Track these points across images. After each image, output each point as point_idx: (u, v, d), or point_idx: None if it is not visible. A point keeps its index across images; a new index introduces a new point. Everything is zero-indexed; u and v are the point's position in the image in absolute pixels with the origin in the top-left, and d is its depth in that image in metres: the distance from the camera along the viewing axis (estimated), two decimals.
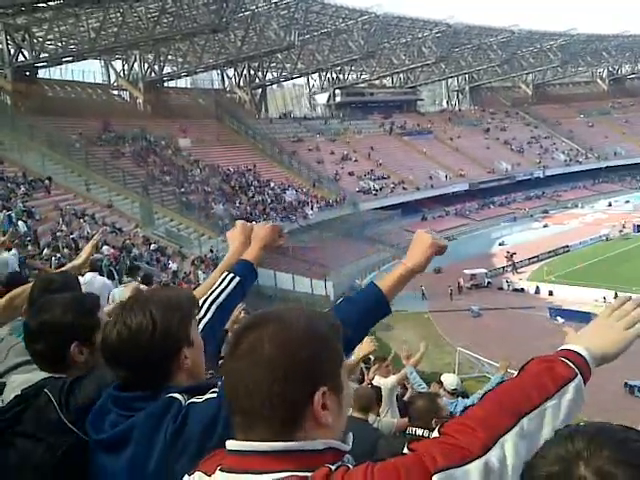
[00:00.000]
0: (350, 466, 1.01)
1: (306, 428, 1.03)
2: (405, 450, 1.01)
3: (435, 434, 1.03)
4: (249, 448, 1.03)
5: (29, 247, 18.52)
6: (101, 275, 8.75)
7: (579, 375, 1.08)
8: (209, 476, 1.09)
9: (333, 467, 1.00)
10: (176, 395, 1.40)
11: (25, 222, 21.39)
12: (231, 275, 1.97)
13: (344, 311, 1.60)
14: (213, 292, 1.94)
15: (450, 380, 6.65)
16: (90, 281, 6.99)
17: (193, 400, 1.38)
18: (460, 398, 6.59)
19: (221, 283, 1.96)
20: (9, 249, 6.13)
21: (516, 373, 1.13)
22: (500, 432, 0.99)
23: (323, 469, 0.99)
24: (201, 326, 1.76)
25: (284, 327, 1.07)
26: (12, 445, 1.57)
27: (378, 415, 5.16)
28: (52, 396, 1.61)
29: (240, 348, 1.06)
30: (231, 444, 1.06)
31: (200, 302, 1.86)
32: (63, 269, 3.66)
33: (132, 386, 1.46)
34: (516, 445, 0.99)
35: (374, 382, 6.16)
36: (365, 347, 5.11)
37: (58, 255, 18.06)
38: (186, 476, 1.15)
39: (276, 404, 1.02)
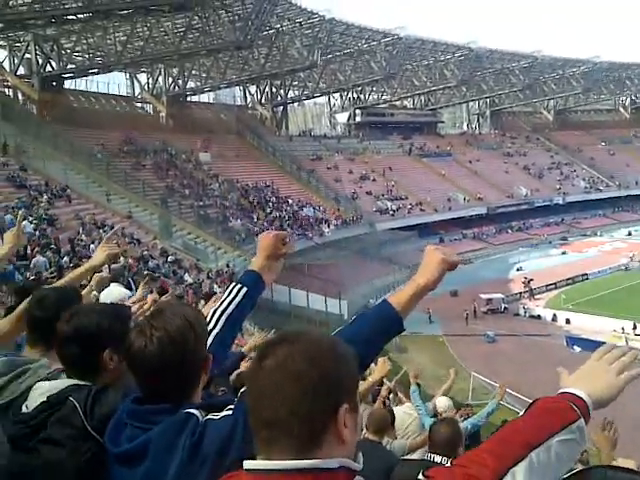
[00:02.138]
0: None
1: (326, 445, 1.05)
2: (420, 476, 1.04)
3: (448, 464, 1.04)
4: (265, 467, 1.05)
5: (50, 255, 18.65)
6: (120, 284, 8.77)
7: (582, 417, 1.14)
8: None
9: None
10: (193, 411, 1.39)
11: (44, 229, 21.59)
12: (238, 286, 1.95)
13: (356, 327, 1.62)
14: (222, 303, 1.92)
15: (442, 403, 6.61)
16: (109, 291, 6.99)
17: (210, 417, 1.38)
18: None
19: (229, 294, 1.93)
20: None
21: (523, 411, 1.16)
22: (510, 463, 1.04)
23: None
24: (211, 338, 1.74)
25: (312, 343, 1.10)
26: (36, 451, 1.59)
27: (395, 438, 5.10)
28: (77, 404, 1.62)
29: (268, 362, 1.07)
30: (248, 464, 1.08)
31: (210, 313, 1.87)
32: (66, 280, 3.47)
33: (158, 397, 1.45)
34: (526, 476, 1.04)
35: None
36: (380, 369, 5.05)
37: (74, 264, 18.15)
38: None
39: (302, 418, 1.03)
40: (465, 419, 6.62)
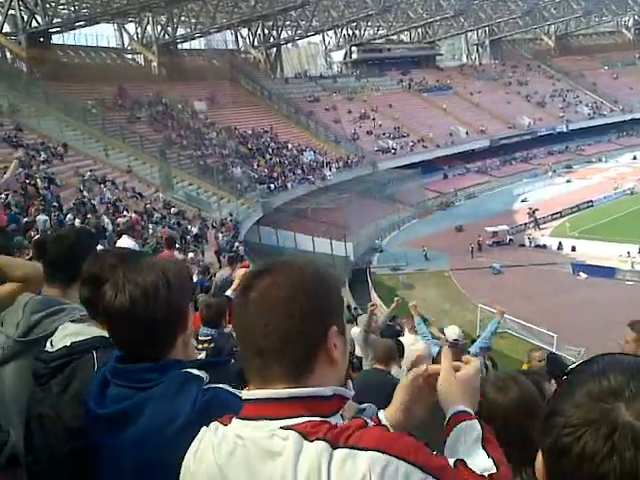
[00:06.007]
0: (386, 425, 1.12)
1: (318, 369, 1.09)
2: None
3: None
4: (262, 396, 1.07)
5: (52, 214, 18.65)
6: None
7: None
8: (225, 425, 1.12)
9: (370, 422, 1.06)
10: (195, 371, 1.38)
11: (47, 188, 21.53)
12: None
13: None
14: None
15: (450, 332, 6.78)
16: (120, 244, 7.27)
17: (220, 386, 1.37)
18: None
19: None
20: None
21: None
22: None
23: (359, 420, 1.05)
24: None
25: (296, 270, 1.12)
26: (49, 389, 1.69)
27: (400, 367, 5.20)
28: (96, 363, 1.67)
29: (254, 291, 1.09)
30: (245, 394, 1.11)
31: None
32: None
33: (132, 352, 1.43)
34: None
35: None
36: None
37: (79, 221, 18.18)
38: (204, 427, 1.16)
39: (293, 342, 1.06)
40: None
